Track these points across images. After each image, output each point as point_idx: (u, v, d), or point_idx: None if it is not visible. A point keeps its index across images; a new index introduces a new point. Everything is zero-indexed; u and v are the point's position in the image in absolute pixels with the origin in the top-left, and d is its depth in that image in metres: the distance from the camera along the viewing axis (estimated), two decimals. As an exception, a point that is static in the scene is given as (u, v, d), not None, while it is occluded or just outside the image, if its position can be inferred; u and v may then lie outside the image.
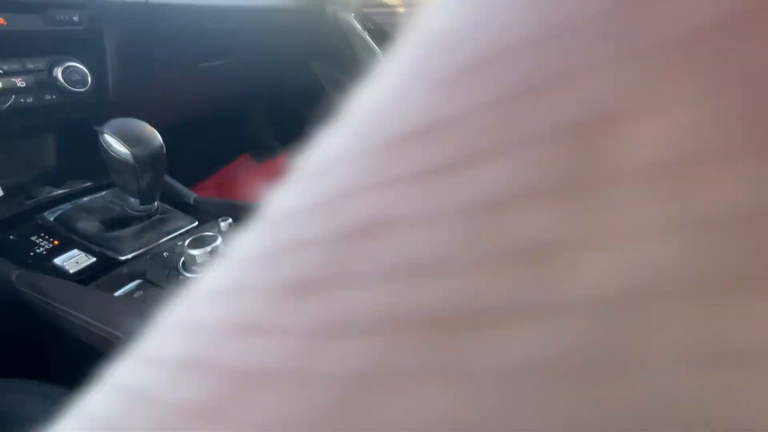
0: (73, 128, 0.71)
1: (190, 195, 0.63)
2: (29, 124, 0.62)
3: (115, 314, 0.36)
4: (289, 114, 1.45)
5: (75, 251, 0.48)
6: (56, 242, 0.50)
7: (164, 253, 0.49)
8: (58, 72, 0.59)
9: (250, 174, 1.41)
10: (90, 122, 0.71)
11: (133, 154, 0.43)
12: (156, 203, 0.52)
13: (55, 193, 0.64)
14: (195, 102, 1.04)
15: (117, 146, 0.43)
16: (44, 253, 0.48)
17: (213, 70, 0.94)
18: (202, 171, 1.40)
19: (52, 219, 0.54)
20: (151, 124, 0.95)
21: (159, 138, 0.47)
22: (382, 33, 1.17)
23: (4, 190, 0.62)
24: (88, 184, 0.68)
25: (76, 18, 0.59)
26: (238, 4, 0.86)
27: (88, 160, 0.71)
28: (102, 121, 0.73)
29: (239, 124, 1.48)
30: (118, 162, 0.44)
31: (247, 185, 1.39)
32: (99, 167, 0.70)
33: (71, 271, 0.45)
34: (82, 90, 0.61)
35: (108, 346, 0.36)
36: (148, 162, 0.45)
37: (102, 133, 0.44)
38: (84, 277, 0.45)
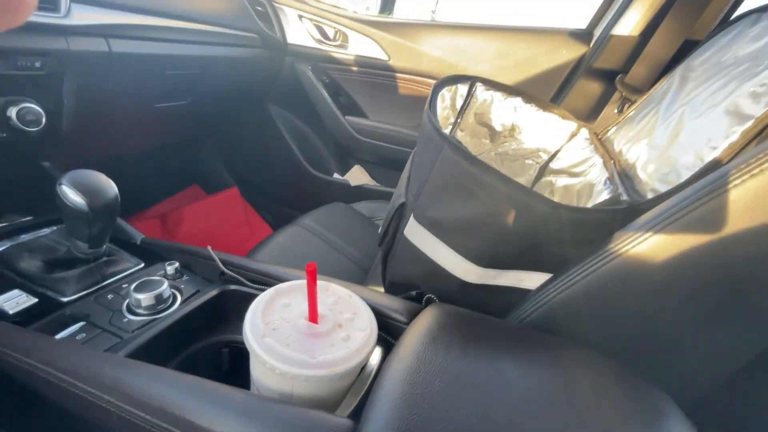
0: (17, 161, 0.71)
1: (138, 235, 0.65)
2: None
3: (58, 357, 0.39)
4: (241, 149, 1.49)
5: (15, 291, 0.49)
6: (-5, 281, 0.51)
7: (108, 296, 0.51)
8: (12, 112, 0.61)
9: (197, 203, 1.41)
10: (37, 157, 0.73)
11: (88, 205, 0.47)
12: (104, 246, 0.55)
13: (-8, 227, 0.64)
14: (148, 137, 1.07)
15: (73, 197, 0.47)
16: (-18, 293, 0.49)
17: (169, 109, 0.97)
18: (152, 198, 1.39)
19: (-10, 256, 0.55)
20: (102, 156, 0.96)
21: (114, 189, 0.51)
22: (335, 86, 1.27)
23: (-66, 220, 0.61)
24: (29, 218, 0.68)
25: (38, 64, 0.62)
26: (200, 54, 0.92)
27: (29, 193, 0.72)
28: (50, 155, 0.75)
29: (192, 156, 1.49)
30: (72, 211, 0.47)
31: (192, 213, 1.39)
32: (40, 202, 0.71)
33: (11, 312, 0.46)
34: (35, 129, 0.63)
35: (50, 389, 0.39)
36: (102, 212, 0.48)
37: (60, 184, 0.47)
38: (24, 319, 0.46)
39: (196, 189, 1.54)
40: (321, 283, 0.43)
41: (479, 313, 0.46)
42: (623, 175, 0.59)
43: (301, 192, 1.43)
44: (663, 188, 0.50)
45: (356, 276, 0.89)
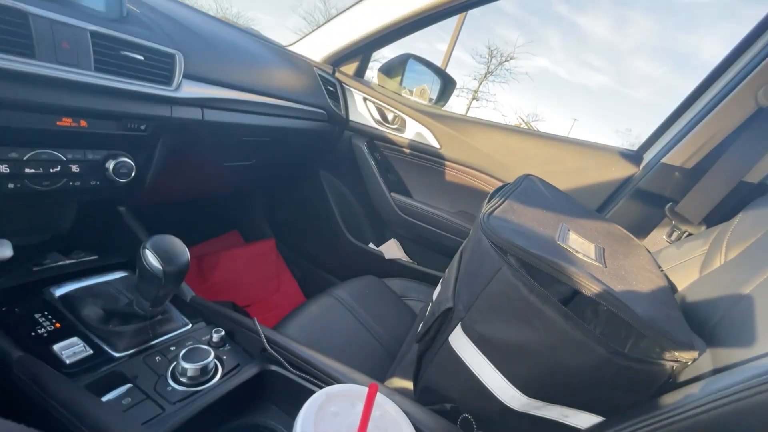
0: (97, 204, 0.78)
1: (188, 293, 0.68)
2: (64, 200, 0.69)
3: (103, 425, 0.40)
4: (286, 205, 1.56)
5: (75, 339, 0.52)
6: (58, 325, 0.53)
7: (157, 357, 0.53)
8: (111, 164, 0.68)
9: (234, 250, 1.46)
10: (115, 202, 0.79)
11: (163, 270, 0.50)
12: (164, 306, 0.57)
13: (62, 263, 0.68)
14: (209, 188, 1.14)
15: (153, 261, 0.50)
16: (45, 335, 0.51)
17: (235, 168, 1.05)
18: (193, 238, 1.45)
19: (57, 296, 0.58)
20: (166, 201, 1.03)
21: (187, 256, 0.54)
22: (386, 163, 1.35)
23: (13, 249, 0.66)
24: (95, 257, 0.73)
25: (143, 127, 0.70)
26: (274, 125, 1.01)
27: (100, 234, 0.77)
28: (126, 201, 0.81)
29: (238, 204, 1.57)
30: (149, 274, 0.51)
31: (227, 259, 1.43)
32: (108, 243, 0.76)
33: (68, 361, 0.48)
34: (125, 180, 0.70)
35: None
36: (173, 277, 0.52)
37: (144, 248, 0.51)
38: (78, 370, 0.48)
39: (236, 235, 1.60)
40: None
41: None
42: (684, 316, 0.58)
43: (335, 255, 1.45)
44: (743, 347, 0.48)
45: (383, 360, 0.88)
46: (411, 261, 1.34)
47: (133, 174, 0.71)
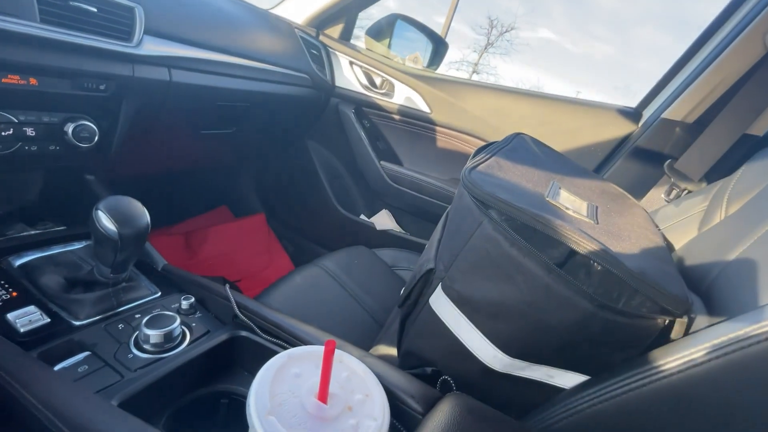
0: (62, 172, 0.74)
1: (160, 261, 0.65)
2: (25, 168, 0.65)
3: (53, 395, 0.37)
4: (274, 178, 1.52)
5: (31, 308, 0.49)
6: (14, 294, 0.50)
7: (120, 325, 0.50)
8: (70, 128, 0.63)
9: (223, 225, 1.43)
10: (82, 170, 0.75)
11: (119, 233, 0.47)
12: (126, 272, 0.54)
13: (26, 233, 0.65)
14: (189, 159, 1.10)
15: (106, 223, 0.47)
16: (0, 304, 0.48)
17: (213, 136, 1.01)
18: (181, 214, 1.42)
19: (16, 265, 0.55)
20: (142, 173, 0.99)
21: (146, 218, 0.51)
22: (375, 131, 1.30)
23: (-25, 220, 0.63)
24: (62, 227, 0.69)
25: (102, 87, 0.65)
26: (252, 89, 0.96)
27: (67, 204, 0.74)
28: (94, 170, 0.77)
29: (225, 178, 1.53)
30: (102, 236, 0.47)
31: (216, 235, 1.40)
32: (77, 213, 0.73)
33: (21, 330, 0.46)
34: (86, 146, 0.65)
35: (34, 423, 0.37)
36: (131, 241, 0.48)
37: (96, 209, 0.48)
38: (33, 339, 0.45)
39: (225, 210, 1.57)
40: (336, 353, 0.40)
41: (502, 415, 0.41)
42: (682, 274, 0.54)
43: (326, 228, 1.42)
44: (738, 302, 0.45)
45: (370, 330, 0.85)
46: (403, 231, 1.31)
47: (96, 139, 0.66)
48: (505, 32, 14.88)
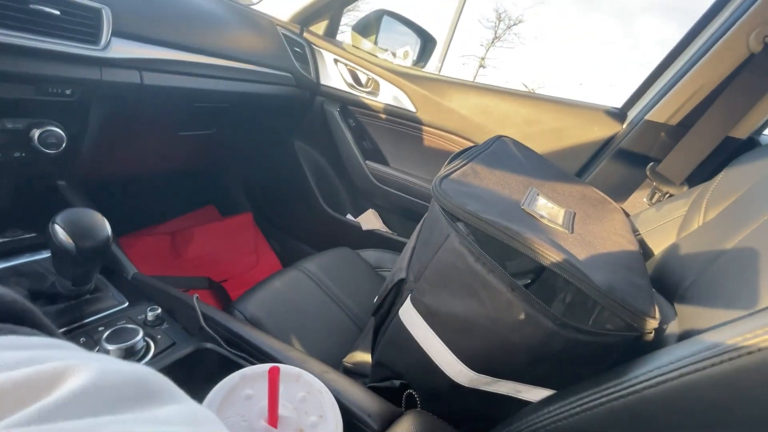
0: (32, 178, 0.72)
1: (131, 269, 0.64)
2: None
3: None
4: (262, 178, 1.51)
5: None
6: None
7: (81, 339, 0.49)
8: (35, 134, 0.62)
9: (209, 225, 1.42)
10: (53, 176, 0.74)
11: (76, 247, 0.46)
12: (90, 284, 0.54)
13: (-8, 241, 0.64)
14: (168, 160, 1.08)
15: (62, 237, 0.46)
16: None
17: (192, 137, 0.99)
18: (166, 213, 1.41)
19: (-23, 277, 0.54)
20: (120, 176, 0.97)
21: (107, 231, 0.49)
22: (361, 130, 1.28)
23: (-60, 228, 0.62)
24: (33, 234, 0.68)
25: (68, 92, 0.63)
26: (231, 90, 0.94)
27: (38, 210, 0.72)
28: (67, 175, 0.75)
29: (212, 177, 1.52)
30: (59, 250, 0.46)
31: (202, 235, 1.39)
32: (48, 219, 0.71)
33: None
34: (54, 152, 0.64)
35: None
36: (89, 255, 0.47)
37: (53, 222, 0.47)
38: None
39: (212, 210, 1.56)
40: (293, 371, 0.39)
41: (462, 433, 0.41)
42: (657, 281, 0.54)
43: (313, 227, 1.41)
44: (712, 312, 0.44)
45: (351, 334, 0.85)
46: (390, 231, 1.30)
47: (64, 144, 0.65)
48: (513, 25, 14.65)
